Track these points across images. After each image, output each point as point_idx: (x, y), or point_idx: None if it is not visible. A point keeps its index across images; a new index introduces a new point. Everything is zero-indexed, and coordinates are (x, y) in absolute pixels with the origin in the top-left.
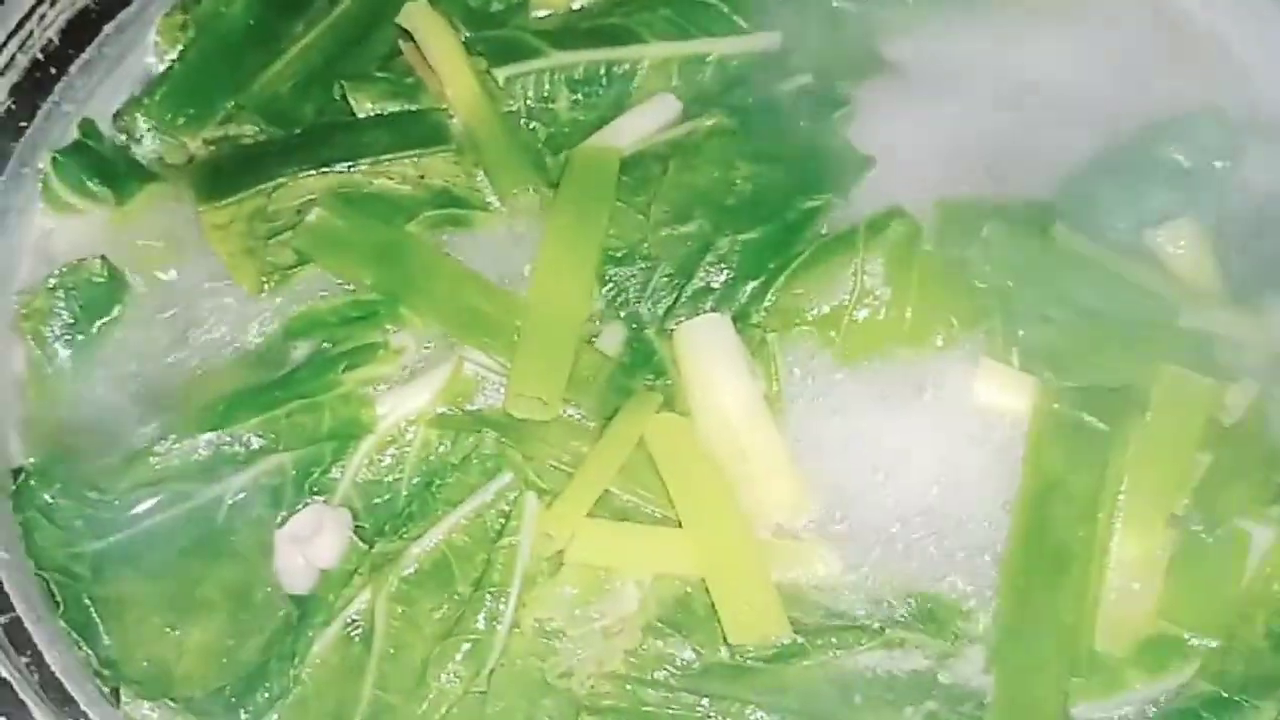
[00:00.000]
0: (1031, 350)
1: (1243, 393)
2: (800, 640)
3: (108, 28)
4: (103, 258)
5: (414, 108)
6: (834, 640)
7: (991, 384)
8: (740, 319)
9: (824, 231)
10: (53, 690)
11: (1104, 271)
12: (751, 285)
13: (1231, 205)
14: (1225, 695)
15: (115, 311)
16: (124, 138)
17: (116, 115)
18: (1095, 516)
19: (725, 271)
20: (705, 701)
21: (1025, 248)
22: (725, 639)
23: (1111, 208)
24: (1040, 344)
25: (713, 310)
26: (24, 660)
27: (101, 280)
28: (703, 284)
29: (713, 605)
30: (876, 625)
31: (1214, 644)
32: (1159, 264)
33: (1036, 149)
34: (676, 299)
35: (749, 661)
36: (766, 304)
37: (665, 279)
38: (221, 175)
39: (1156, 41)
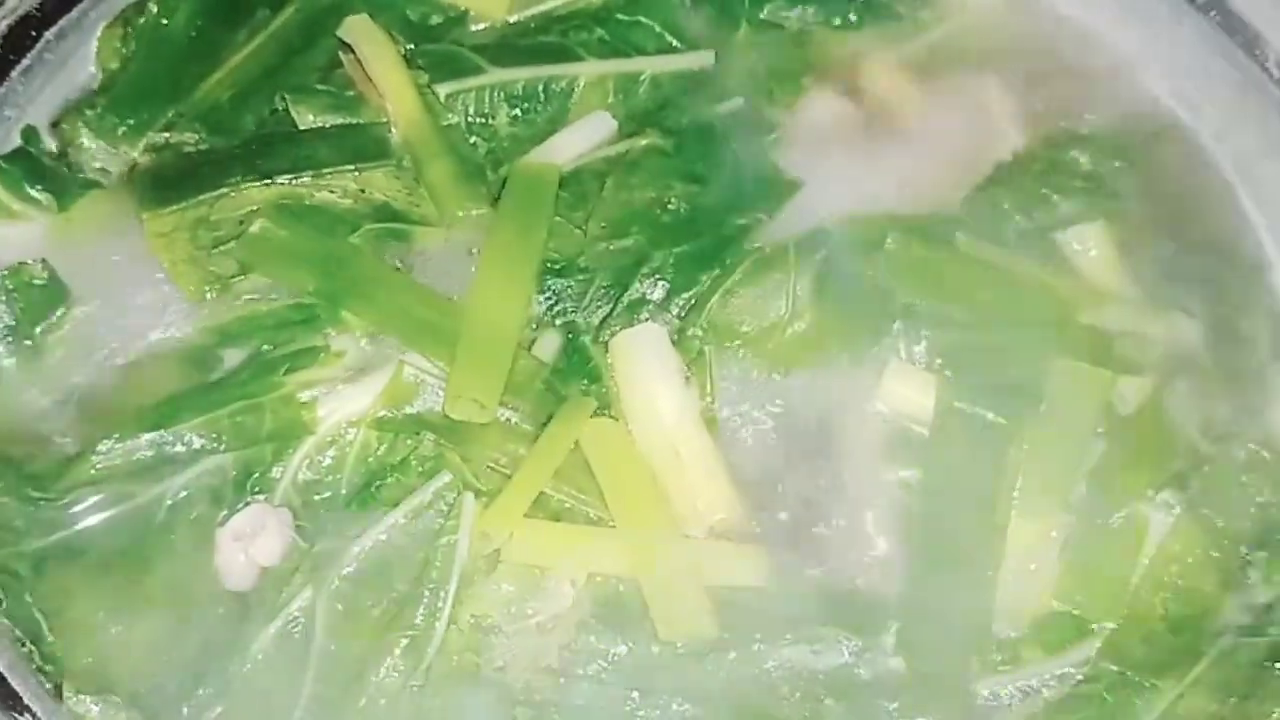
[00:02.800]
0: (936, 351)
1: (1138, 384)
2: (727, 636)
3: (49, 34)
4: (43, 261)
5: (355, 121)
6: (758, 636)
7: (900, 386)
8: (677, 331)
9: (753, 247)
10: None
11: (1007, 274)
12: (684, 297)
13: (1136, 206)
14: (1126, 675)
15: (56, 314)
16: (65, 145)
17: (56, 124)
18: (994, 505)
19: (660, 284)
20: (635, 695)
21: (928, 255)
22: (656, 635)
23: (1017, 214)
24: (944, 345)
25: (648, 320)
26: None
27: (42, 283)
28: (638, 295)
29: (644, 603)
30: (798, 622)
31: (1110, 625)
32: (1067, 266)
33: (950, 164)
34: (612, 309)
35: (677, 657)
36: (703, 319)
37: (602, 290)
38: (164, 184)
39: (1056, 53)
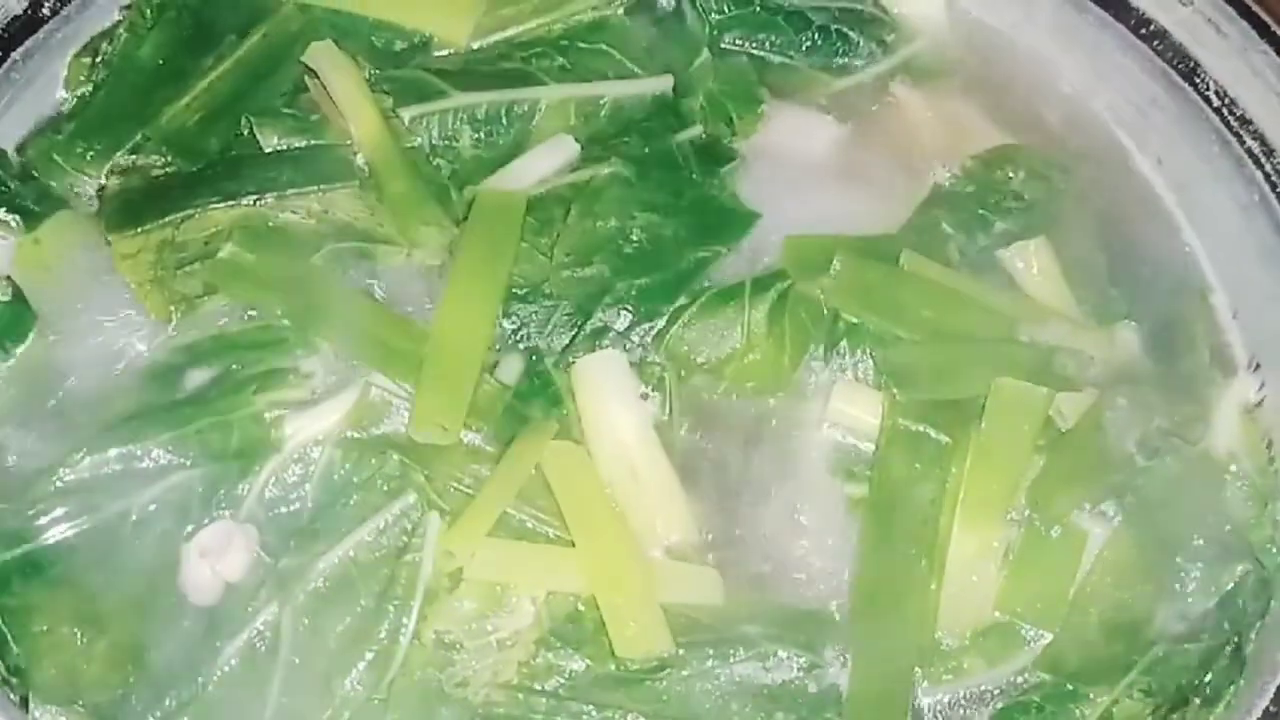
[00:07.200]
0: (882, 370)
1: (1076, 400)
2: (681, 653)
3: (15, 54)
4: (8, 278)
5: (319, 143)
6: (711, 653)
7: (847, 405)
8: (637, 358)
9: (710, 282)
10: None
11: (949, 292)
12: (645, 327)
13: (1076, 227)
14: (1062, 684)
15: (23, 332)
16: (32, 167)
17: (22, 146)
18: (937, 520)
19: (622, 313)
20: (592, 709)
21: (873, 276)
22: (613, 652)
23: (958, 233)
24: (890, 364)
25: (609, 348)
26: None
27: (7, 300)
28: (601, 323)
29: (602, 620)
30: (750, 639)
31: (1048, 636)
32: (1010, 283)
33: (909, 187)
34: (575, 336)
35: (633, 673)
36: (662, 349)
37: (565, 317)
38: (130, 206)
39: (1004, 78)
